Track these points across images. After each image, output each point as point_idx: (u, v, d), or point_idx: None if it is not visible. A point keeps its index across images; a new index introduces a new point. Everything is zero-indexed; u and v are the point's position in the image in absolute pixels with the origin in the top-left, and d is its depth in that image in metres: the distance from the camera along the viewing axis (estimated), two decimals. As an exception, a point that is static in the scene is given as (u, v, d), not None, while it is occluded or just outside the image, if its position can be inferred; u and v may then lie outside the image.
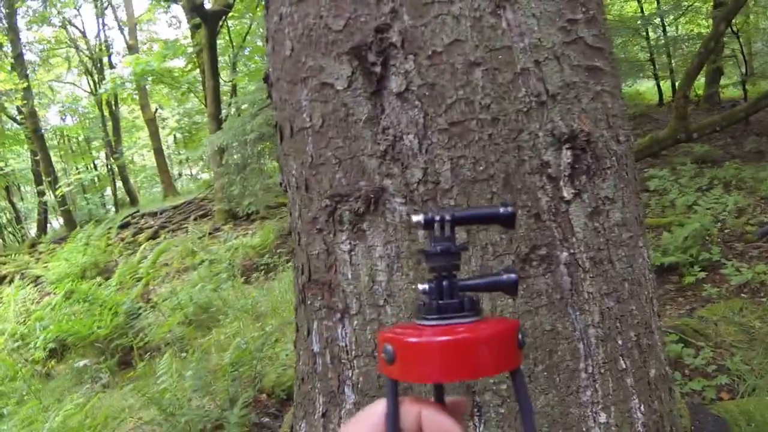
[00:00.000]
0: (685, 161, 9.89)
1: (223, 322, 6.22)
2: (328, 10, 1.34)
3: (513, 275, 0.60)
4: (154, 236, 12.94)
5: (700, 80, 14.42)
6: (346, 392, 1.43)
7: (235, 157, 9.10)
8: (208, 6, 13.61)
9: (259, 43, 18.34)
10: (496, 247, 1.30)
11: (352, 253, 1.38)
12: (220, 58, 16.47)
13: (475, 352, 0.52)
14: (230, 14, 14.57)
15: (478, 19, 1.27)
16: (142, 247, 10.90)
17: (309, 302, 1.52)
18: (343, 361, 1.43)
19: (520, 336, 0.55)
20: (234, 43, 17.90)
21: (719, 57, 14.71)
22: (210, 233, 11.42)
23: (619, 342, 1.48)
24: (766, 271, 5.08)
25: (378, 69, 1.25)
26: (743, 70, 16.70)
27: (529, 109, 1.29)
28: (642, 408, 1.52)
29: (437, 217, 0.58)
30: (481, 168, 1.27)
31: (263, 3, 1.60)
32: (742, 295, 4.97)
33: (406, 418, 0.54)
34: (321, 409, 1.52)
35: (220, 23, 14.13)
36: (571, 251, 1.38)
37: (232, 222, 11.91)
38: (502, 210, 0.61)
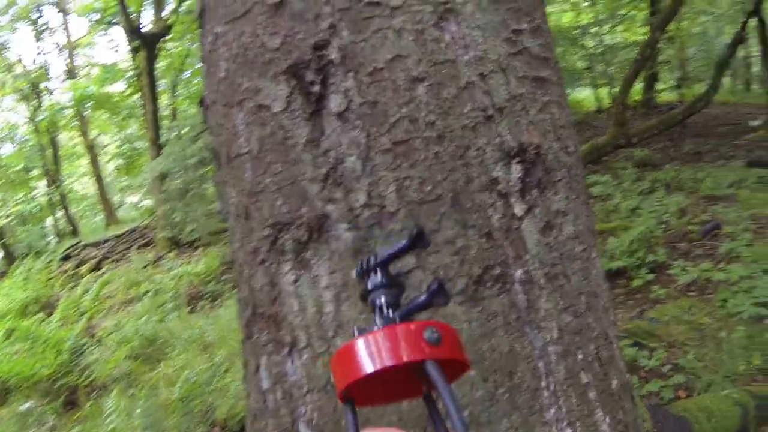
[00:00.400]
0: (626, 166, 10.17)
1: (171, 355, 5.99)
2: (264, 28, 1.26)
3: (414, 231, 0.67)
4: (97, 267, 12.46)
5: (637, 86, 14.93)
6: (301, 429, 1.34)
7: (176, 182, 8.85)
8: (146, 28, 13.33)
9: (199, 66, 18.00)
10: (448, 270, 1.24)
11: (297, 283, 1.30)
12: (161, 82, 16.13)
13: (368, 349, 0.55)
14: (169, 36, 14.29)
15: (421, 33, 1.22)
16: (85, 279, 10.50)
17: (255, 337, 1.43)
18: (295, 396, 1.34)
19: (427, 333, 0.55)
20: (174, 66, 17.56)
21: (655, 63, 15.28)
22: (154, 262, 11.07)
23: (579, 356, 1.44)
24: (712, 269, 5.22)
25: (317, 88, 1.18)
26: (678, 75, 17.37)
27: (475, 124, 1.24)
28: (607, 420, 1.48)
29: (364, 267, 0.65)
30: (428, 188, 1.21)
31: (198, 22, 1.52)
32: (690, 293, 5.09)
33: None
34: (275, 449, 1.42)
35: (159, 46, 13.84)
36: (525, 269, 1.33)
37: (176, 249, 11.59)
38: (407, 239, 0.66)
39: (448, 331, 0.57)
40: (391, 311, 0.61)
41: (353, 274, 1.25)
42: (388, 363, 0.53)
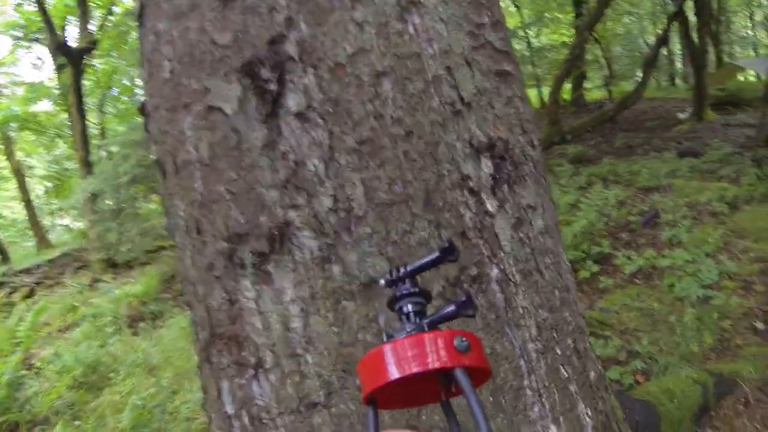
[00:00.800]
0: (562, 162, 10.40)
1: (116, 380, 5.69)
2: (213, 24, 1.15)
3: (444, 245, 0.67)
4: (31, 294, 11.79)
5: (566, 86, 15.36)
6: (273, 458, 1.24)
7: (108, 202, 8.45)
8: (72, 44, 12.75)
9: (127, 83, 17.51)
10: (424, 274, 1.16)
11: (259, 299, 1.19)
12: (87, 100, 15.49)
13: (399, 354, 0.56)
14: (96, 52, 13.73)
15: (384, 25, 1.14)
16: (19, 307, 9.89)
17: (215, 360, 1.31)
18: (264, 421, 1.23)
19: (457, 341, 0.56)
20: (101, 83, 16.93)
21: (582, 63, 15.76)
22: (90, 285, 10.56)
23: (558, 352, 1.40)
24: (656, 256, 5.35)
25: (273, 87, 1.08)
26: (606, 73, 17.98)
27: (444, 119, 1.17)
28: (589, 412, 1.45)
29: (393, 277, 0.66)
30: (398, 188, 1.13)
31: (136, 22, 1.37)
32: (636, 281, 5.20)
33: None
34: (245, 480, 1.31)
35: (85, 63, 13.29)
36: (501, 266, 1.27)
37: (112, 271, 11.10)
38: (438, 250, 0.67)
39: (474, 340, 0.58)
40: (418, 319, 0.62)
41: (320, 284, 1.17)
42: (418, 368, 0.54)
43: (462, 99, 1.21)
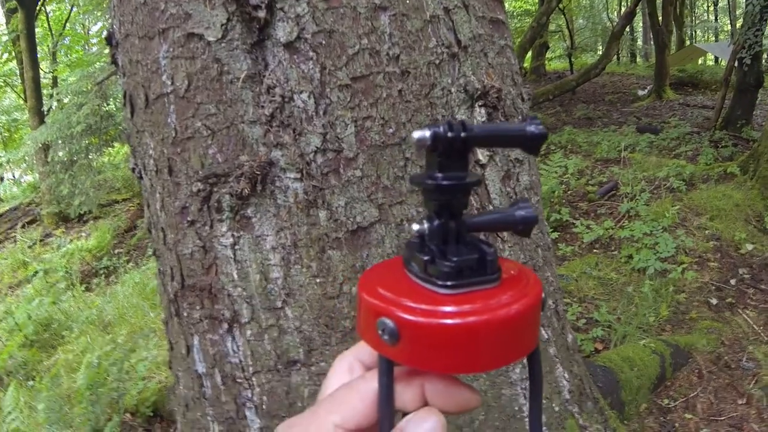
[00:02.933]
0: (521, 128, 10.41)
1: (69, 338, 5.52)
2: (192, -58, 1.04)
3: (529, 210, 0.44)
4: (-24, 250, 11.33)
5: (527, 54, 15.39)
6: (249, 416, 1.17)
7: (60, 154, 8.05)
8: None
9: (80, 31, 16.76)
10: (413, 222, 1.10)
11: (237, 247, 1.11)
12: (38, 49, 14.77)
13: (508, 332, 0.38)
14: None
15: (384, -46, 1.05)
16: (-37, 263, 9.48)
17: (185, 314, 1.23)
18: (238, 380, 1.16)
19: (543, 296, 0.41)
20: (53, 31, 16.14)
21: (546, 32, 15.81)
22: (41, 240, 10.19)
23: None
24: (614, 227, 5.43)
25: (261, 14, 0.98)
26: (568, 44, 18.10)
27: (440, 61, 1.10)
28: (566, 375, 1.43)
29: (449, 133, 0.39)
30: (391, 130, 1.06)
31: None
32: (595, 250, 5.27)
33: (403, 397, 0.42)
34: (216, 439, 1.24)
35: (38, 8, 12.62)
36: (490, 221, 1.22)
37: (64, 225, 10.72)
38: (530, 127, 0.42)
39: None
40: (463, 232, 0.43)
41: (303, 231, 1.10)
42: (524, 353, 0.41)
43: (459, 42, 1.14)
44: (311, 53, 1.01)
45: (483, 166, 1.20)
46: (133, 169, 1.36)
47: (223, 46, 1.02)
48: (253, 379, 1.15)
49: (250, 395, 1.16)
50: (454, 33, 1.13)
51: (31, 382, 4.78)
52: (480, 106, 1.17)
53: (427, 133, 0.38)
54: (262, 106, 1.03)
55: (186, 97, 1.08)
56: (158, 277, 1.37)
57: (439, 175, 0.41)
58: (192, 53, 1.05)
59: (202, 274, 1.16)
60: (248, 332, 1.13)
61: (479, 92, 1.17)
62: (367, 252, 1.07)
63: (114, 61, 1.30)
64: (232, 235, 1.10)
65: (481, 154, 1.19)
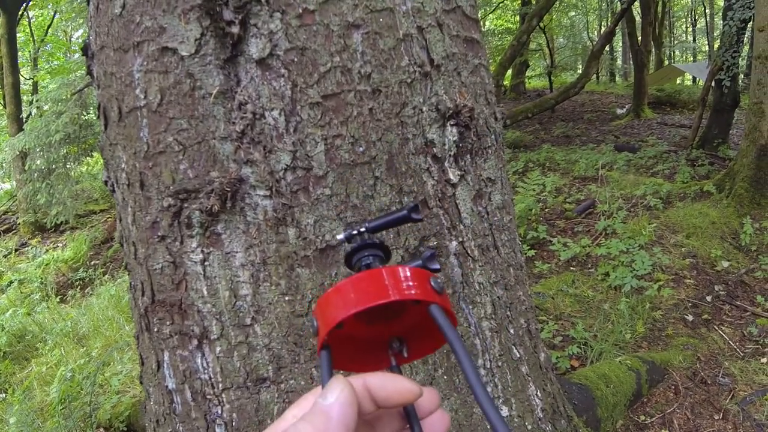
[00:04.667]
0: (500, 146, 10.50)
1: (43, 351, 5.42)
2: (169, -44, 1.04)
3: (410, 204, 0.64)
4: (-51, 259, 11.11)
5: (507, 72, 15.60)
6: (216, 434, 1.16)
7: (38, 162, 7.97)
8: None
9: (62, 38, 16.67)
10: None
11: (206, 263, 1.11)
12: (19, 54, 14.65)
13: (375, 280, 0.50)
14: (32, 3, 12.96)
15: (358, -26, 1.06)
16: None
17: (155, 329, 1.22)
18: (208, 396, 1.15)
19: (433, 281, 0.51)
20: (35, 37, 16.03)
21: (526, 50, 16.03)
22: (16, 250, 10.05)
23: (511, 331, 1.38)
24: (591, 244, 5.48)
25: (235, 29, 0.98)
26: (548, 63, 18.36)
27: (412, 80, 1.11)
28: (539, 393, 1.44)
29: (354, 231, 0.60)
30: (361, 149, 1.06)
31: None
32: (572, 268, 5.31)
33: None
34: (184, 457, 1.23)
35: (21, 12, 12.54)
36: (460, 239, 1.23)
37: (40, 235, 10.60)
38: (406, 210, 0.63)
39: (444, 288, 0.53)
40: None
41: (273, 249, 1.10)
42: (396, 297, 0.48)
43: (432, 61, 1.15)
44: (283, 70, 1.01)
45: (454, 186, 1.21)
46: (106, 182, 1.35)
47: (197, 61, 1.02)
48: (223, 395, 1.14)
49: (219, 412, 1.15)
50: (427, 52, 1.14)
51: (3, 395, 4.69)
52: (452, 125, 1.19)
53: (342, 236, 0.60)
54: (234, 123, 1.03)
55: (159, 112, 1.08)
56: (130, 292, 1.36)
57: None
58: (165, 67, 1.05)
59: (172, 289, 1.15)
60: (218, 349, 1.12)
61: (451, 111, 1.18)
62: (336, 270, 1.07)
63: (90, 72, 1.30)
64: (202, 251, 1.10)
65: (452, 174, 1.20)
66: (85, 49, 1.26)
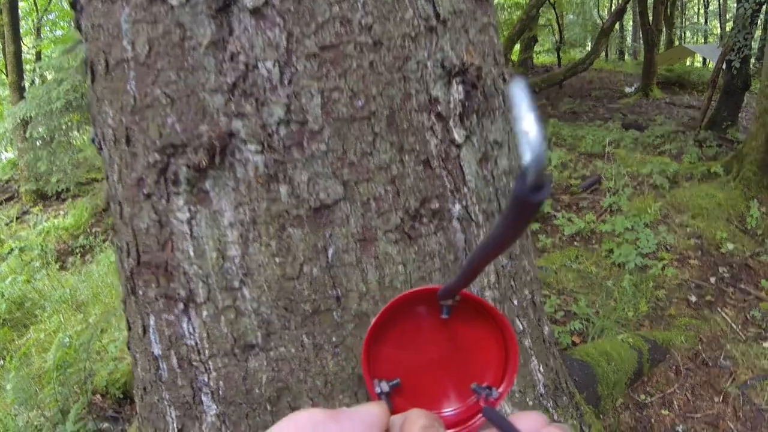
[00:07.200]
0: (506, 120, 10.41)
1: (42, 318, 5.42)
2: None
3: None
4: (-47, 227, 11.11)
5: (515, 46, 15.40)
6: (205, 402, 1.11)
7: (40, 130, 7.89)
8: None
9: (66, 7, 16.49)
10: (381, 202, 1.04)
11: (193, 222, 1.05)
12: (22, 23, 14.51)
13: None
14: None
15: None
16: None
17: (141, 292, 1.17)
18: (194, 363, 1.10)
19: None
20: (38, 6, 15.86)
21: (535, 25, 15.81)
22: (18, 218, 10.03)
23: (515, 302, 1.32)
24: (595, 220, 5.42)
25: (228, -24, 0.91)
26: (557, 39, 18.13)
27: (417, 34, 1.04)
28: (541, 368, 1.39)
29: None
30: (360, 103, 1.00)
31: None
32: (575, 243, 5.26)
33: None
34: (175, 425, 1.18)
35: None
36: (464, 203, 1.17)
37: (42, 203, 10.58)
38: None
39: None
40: None
41: (263, 207, 1.04)
42: None
43: (438, 15, 1.08)
44: (278, 19, 0.94)
45: (459, 146, 1.14)
46: (93, 140, 1.29)
47: (187, 10, 0.95)
48: (210, 363, 1.09)
49: (206, 380, 1.10)
50: (433, 5, 1.07)
51: (1, 362, 4.69)
52: (458, 83, 1.12)
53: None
54: (225, 74, 0.97)
55: (146, 64, 1.02)
56: (117, 254, 1.31)
57: None
58: (154, 17, 0.98)
59: (158, 250, 1.10)
60: (204, 313, 1.07)
61: (457, 69, 1.11)
62: (330, 231, 1.01)
63: (78, 26, 1.23)
64: (189, 210, 1.04)
65: (457, 134, 1.13)
66: (73, 3, 1.19)
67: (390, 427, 0.46)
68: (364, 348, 0.52)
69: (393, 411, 0.49)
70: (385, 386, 0.52)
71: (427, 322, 0.55)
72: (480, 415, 0.54)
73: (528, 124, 0.30)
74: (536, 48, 18.30)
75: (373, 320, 0.53)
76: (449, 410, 0.56)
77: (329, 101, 0.97)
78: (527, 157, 0.32)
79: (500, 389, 0.56)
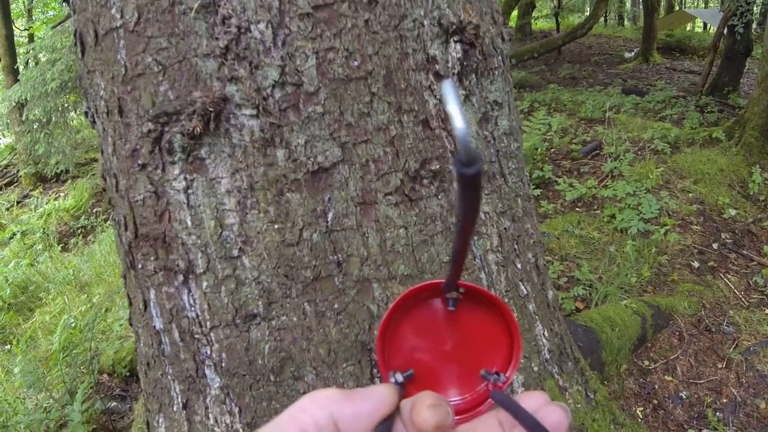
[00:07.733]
0: (505, 86, 10.31)
1: (46, 300, 5.43)
2: None
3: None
4: (-48, 213, 11.11)
5: (513, 12, 15.20)
6: (208, 375, 1.11)
7: (36, 112, 7.82)
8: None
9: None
10: (380, 164, 1.02)
11: (190, 191, 1.03)
12: (13, 5, 14.31)
13: None
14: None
15: None
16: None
17: (140, 266, 1.15)
18: (196, 336, 1.09)
19: None
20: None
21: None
22: (18, 202, 10.02)
23: (518, 266, 1.31)
24: (597, 186, 5.39)
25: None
26: (555, 4, 17.89)
27: (412, -10, 1.01)
28: (546, 333, 1.38)
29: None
30: (356, 63, 0.97)
31: None
32: (577, 209, 5.22)
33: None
34: (179, 399, 1.17)
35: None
36: (464, 166, 1.15)
37: (42, 185, 10.56)
38: None
39: None
40: None
41: (260, 173, 1.02)
42: None
43: (433, -30, 1.04)
44: (268, -23, 0.91)
45: (458, 108, 1.12)
46: (86, 113, 1.27)
47: (173, -30, 0.92)
48: (211, 334, 1.08)
49: (208, 352, 1.09)
50: (427, -40, 1.04)
51: (7, 346, 4.70)
52: (455, 42, 1.09)
53: None
54: (217, 38, 0.94)
55: (136, 31, 0.99)
56: (115, 228, 1.29)
57: None
58: (141, -20, 0.95)
59: (155, 222, 1.08)
60: (204, 284, 1.06)
61: (455, 27, 1.08)
62: (329, 195, 0.99)
63: (66, 0, 1.20)
64: (185, 179, 1.02)
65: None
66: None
67: (400, 410, 0.50)
68: (377, 342, 0.55)
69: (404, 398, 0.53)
70: (399, 377, 0.56)
71: (436, 314, 0.57)
72: (488, 399, 0.55)
73: (455, 115, 0.34)
74: (534, 13, 18.05)
75: (384, 315, 0.55)
76: (459, 399, 0.58)
77: (324, 62, 0.95)
78: (456, 141, 0.37)
79: (507, 373, 0.58)
